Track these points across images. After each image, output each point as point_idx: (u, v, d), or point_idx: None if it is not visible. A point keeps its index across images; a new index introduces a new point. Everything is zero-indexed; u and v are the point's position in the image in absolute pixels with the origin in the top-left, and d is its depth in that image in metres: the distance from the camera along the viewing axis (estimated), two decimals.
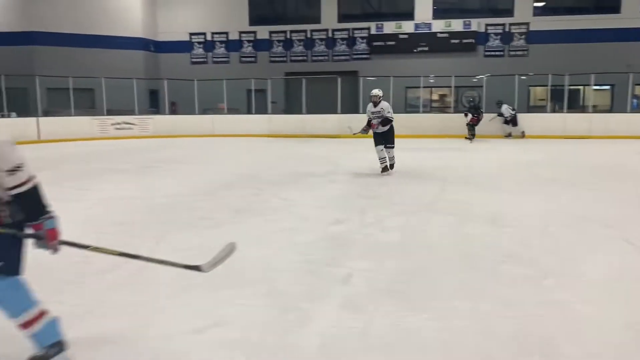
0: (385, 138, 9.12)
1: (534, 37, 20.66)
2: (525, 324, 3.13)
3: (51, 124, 17.17)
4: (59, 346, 2.60)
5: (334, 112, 18.62)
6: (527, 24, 20.72)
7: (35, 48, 19.97)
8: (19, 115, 17.16)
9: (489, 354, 2.80)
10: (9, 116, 16.99)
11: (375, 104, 9.03)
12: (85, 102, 19.43)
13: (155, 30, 22.83)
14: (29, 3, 19.88)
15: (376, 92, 9.11)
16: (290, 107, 21.58)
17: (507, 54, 20.98)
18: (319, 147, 14.80)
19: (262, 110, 19.97)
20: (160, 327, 3.11)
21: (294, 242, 4.91)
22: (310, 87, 19.48)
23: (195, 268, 2.93)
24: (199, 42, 22.91)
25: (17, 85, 17.68)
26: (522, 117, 17.65)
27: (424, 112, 20.00)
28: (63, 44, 20.11)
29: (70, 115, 18.03)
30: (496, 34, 20.92)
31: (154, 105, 21.85)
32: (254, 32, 22.51)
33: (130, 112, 19.02)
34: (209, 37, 22.82)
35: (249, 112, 20.72)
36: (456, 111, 19.71)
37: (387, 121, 9.03)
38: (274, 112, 19.86)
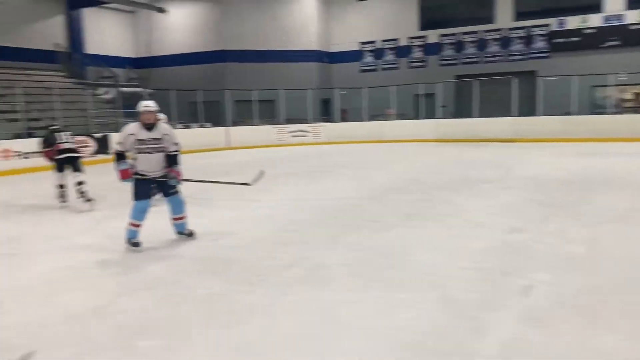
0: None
1: None
2: None
3: (238, 133, 19.04)
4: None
5: (508, 114, 17.65)
6: None
7: (226, 65, 22.32)
8: (213, 125, 19.34)
9: None
10: (204, 126, 19.23)
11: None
12: (267, 113, 21.15)
13: (328, 42, 23.97)
14: (221, 25, 22.30)
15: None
16: (460, 110, 20.98)
17: None
18: (491, 152, 14.16)
19: (430, 114, 19.74)
20: (334, 325, 3.26)
21: (467, 249, 4.79)
22: (483, 89, 18.71)
23: (245, 184, 6.30)
24: (369, 50, 23.47)
25: (211, 99, 19.95)
26: None
27: (614, 113, 17.93)
28: (249, 60, 22.17)
29: (254, 125, 19.81)
30: None
31: (326, 113, 22.94)
32: (424, 37, 22.36)
33: (305, 121, 20.24)
34: (378, 45, 23.25)
35: (417, 117, 20.61)
36: None
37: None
38: (443, 117, 19.50)
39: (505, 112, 17.80)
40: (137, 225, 5.15)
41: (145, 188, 5.15)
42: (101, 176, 9.10)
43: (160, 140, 5.14)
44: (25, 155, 12.87)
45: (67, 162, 7.62)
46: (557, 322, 3.13)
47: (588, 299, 3.51)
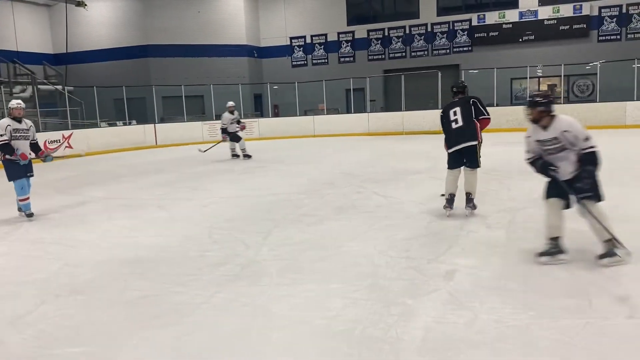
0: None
1: None
2: None
3: (167, 130, 18.52)
4: None
5: (435, 107, 18.27)
6: None
7: (151, 60, 21.64)
8: (139, 122, 18.71)
9: (605, 357, 2.66)
10: (130, 124, 18.58)
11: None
12: (196, 108, 20.71)
13: (258, 37, 23.79)
14: (143, 19, 21.56)
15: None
16: (389, 104, 21.52)
17: (625, 37, 19.31)
18: (419, 144, 14.61)
19: (360, 109, 20.10)
20: (269, 318, 3.29)
21: (396, 239, 4.94)
22: (410, 83, 19.27)
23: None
24: (299, 46, 23.53)
25: (136, 95, 19.28)
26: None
27: None
28: (175, 54, 21.60)
29: (183, 121, 19.35)
30: (611, 17, 19.32)
31: (258, 108, 22.78)
32: (352, 32, 22.70)
33: None
34: (308, 40, 23.36)
35: (348, 111, 20.93)
36: (567, 101, 18.55)
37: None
38: (372, 111, 19.90)
39: (432, 105, 18.43)
40: (26, 199, 6.53)
41: (21, 169, 6.46)
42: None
43: (28, 130, 6.60)
44: None
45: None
46: (476, 303, 3.31)
47: (505, 280, 3.73)
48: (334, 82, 20.20)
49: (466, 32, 21.12)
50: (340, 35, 22.86)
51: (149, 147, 17.57)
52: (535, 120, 4.03)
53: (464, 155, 5.60)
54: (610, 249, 3.85)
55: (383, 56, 22.39)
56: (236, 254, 4.70)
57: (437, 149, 12.98)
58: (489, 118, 5.68)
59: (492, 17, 20.62)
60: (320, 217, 6.05)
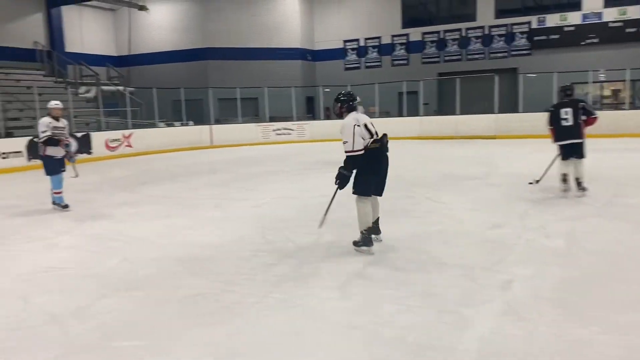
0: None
1: None
2: None
3: (222, 131, 18.95)
4: None
5: (491, 111, 17.82)
6: None
7: (209, 63, 22.19)
8: (195, 123, 19.22)
9: None
10: (187, 124, 19.11)
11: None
12: (250, 110, 21.08)
13: (312, 40, 23.96)
14: (202, 22, 22.17)
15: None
16: (443, 108, 21.15)
17: None
18: (473, 149, 14.29)
19: (413, 112, 19.84)
20: (317, 321, 3.28)
21: (449, 245, 4.84)
22: (465, 86, 18.85)
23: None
24: (352, 49, 23.52)
25: (194, 97, 19.82)
26: None
27: (594, 109, 18.19)
28: (232, 57, 22.06)
29: (237, 123, 19.74)
30: None
31: (310, 111, 22.93)
32: (407, 35, 22.48)
33: (289, 119, 20.21)
34: (362, 43, 23.32)
35: (399, 114, 20.71)
36: (632, 107, 17.66)
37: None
38: (425, 114, 19.62)
39: (487, 109, 17.97)
40: (61, 192, 7.13)
41: (57, 165, 7.10)
42: (87, 176, 9.03)
43: (64, 128, 7.23)
44: (4, 155, 12.69)
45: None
46: (535, 315, 3.18)
47: (565, 292, 3.58)
48: (387, 85, 20.05)
49: (525, 35, 20.50)
50: (394, 38, 22.69)
51: (205, 148, 18.01)
52: (337, 115, 4.76)
53: (573, 148, 6.70)
54: (361, 239, 4.65)
55: (438, 59, 22.05)
56: (288, 255, 4.73)
57: (493, 154, 12.68)
58: (597, 117, 6.86)
59: (552, 20, 19.92)
60: None
